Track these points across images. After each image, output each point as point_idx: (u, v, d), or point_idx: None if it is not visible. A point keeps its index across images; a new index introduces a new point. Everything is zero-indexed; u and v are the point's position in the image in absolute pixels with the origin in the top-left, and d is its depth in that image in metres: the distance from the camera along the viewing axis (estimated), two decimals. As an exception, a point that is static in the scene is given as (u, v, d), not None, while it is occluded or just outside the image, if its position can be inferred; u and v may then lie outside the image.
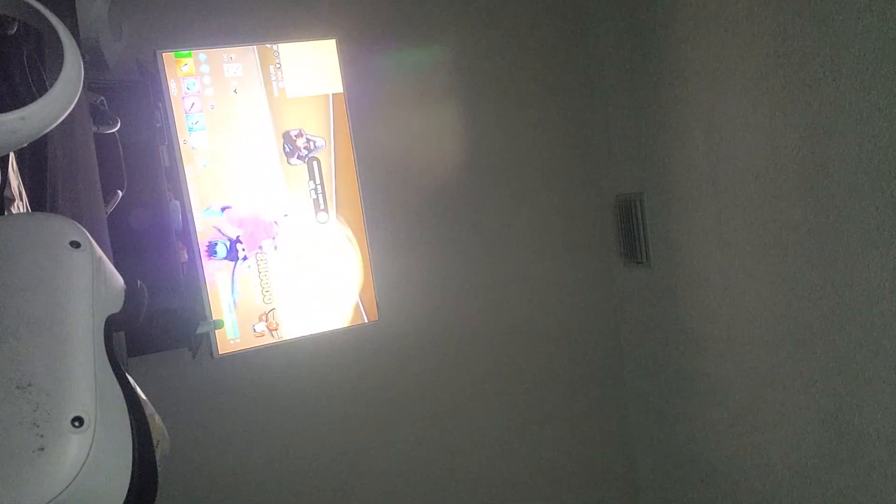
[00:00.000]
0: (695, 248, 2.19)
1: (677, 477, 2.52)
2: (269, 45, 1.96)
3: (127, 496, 0.58)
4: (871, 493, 1.69)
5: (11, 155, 0.84)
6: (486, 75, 2.50)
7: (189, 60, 1.87)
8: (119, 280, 0.70)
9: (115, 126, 1.58)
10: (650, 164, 2.35)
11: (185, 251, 1.91)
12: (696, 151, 2.10)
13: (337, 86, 2.05)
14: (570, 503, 2.69)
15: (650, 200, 2.39)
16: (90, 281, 0.61)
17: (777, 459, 1.99)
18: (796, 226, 1.78)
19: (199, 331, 1.85)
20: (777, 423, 1.97)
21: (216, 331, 1.92)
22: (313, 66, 2.02)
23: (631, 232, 2.48)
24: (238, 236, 1.90)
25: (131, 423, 0.60)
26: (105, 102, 1.58)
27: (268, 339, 1.99)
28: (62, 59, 0.67)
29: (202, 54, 1.88)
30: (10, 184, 0.82)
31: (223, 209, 1.89)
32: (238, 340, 1.96)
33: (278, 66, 1.97)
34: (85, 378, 0.55)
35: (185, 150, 1.87)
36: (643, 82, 2.30)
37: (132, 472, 0.58)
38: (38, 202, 0.90)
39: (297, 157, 1.86)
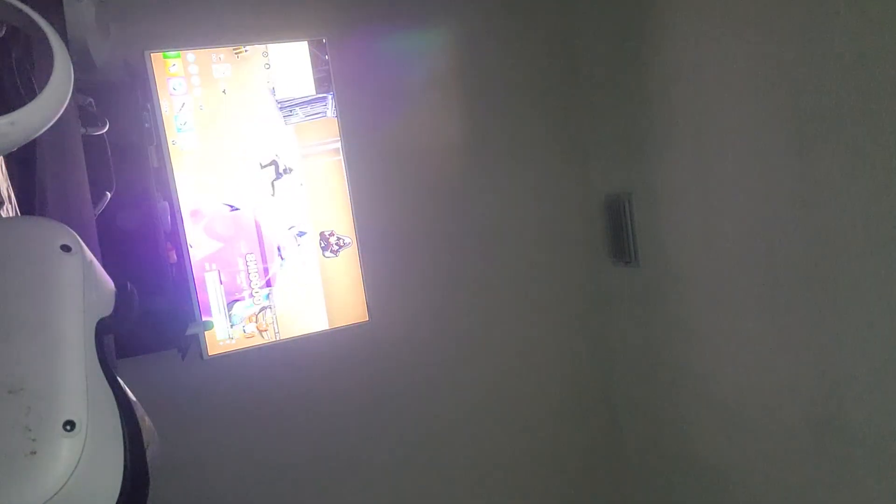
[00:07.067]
0: (683, 248, 2.21)
1: (668, 476, 2.54)
2: (258, 46, 1.96)
3: (118, 499, 0.58)
4: (856, 491, 1.72)
5: (0, 158, 0.84)
6: (474, 75, 2.50)
7: (178, 61, 1.87)
8: (109, 283, 0.70)
9: (104, 128, 1.57)
10: (638, 165, 2.36)
11: (174, 252, 1.90)
12: (685, 151, 2.12)
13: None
14: (561, 502, 2.70)
15: (638, 200, 2.41)
16: (81, 285, 0.62)
17: (764, 457, 2.02)
18: (783, 225, 1.80)
19: (188, 332, 1.84)
20: (764, 422, 1.99)
21: (206, 332, 1.91)
22: (304, 67, 2.02)
23: (619, 232, 2.50)
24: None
25: (122, 427, 0.61)
26: (93, 104, 1.57)
27: (258, 341, 1.99)
28: (51, 62, 0.67)
29: (191, 55, 1.88)
30: (-2, 187, 0.82)
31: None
32: (228, 342, 1.96)
33: (268, 66, 1.96)
34: (76, 382, 0.55)
35: (173, 150, 1.87)
36: (631, 82, 2.32)
37: (123, 474, 0.59)
38: (27, 205, 0.90)
39: (330, 251, 2.08)
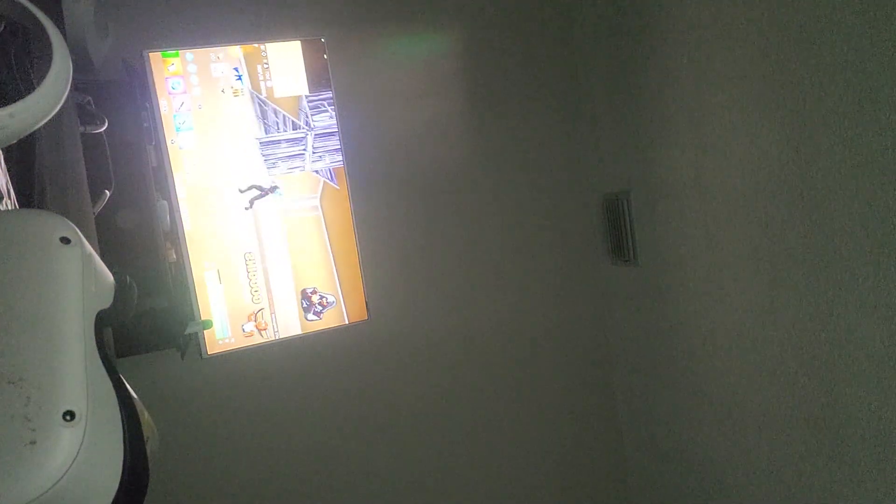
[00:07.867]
0: (681, 246, 2.21)
1: (667, 475, 2.54)
2: (256, 45, 1.96)
3: (118, 490, 0.58)
4: (854, 490, 1.72)
5: (-1, 153, 0.84)
6: (473, 75, 2.51)
7: (176, 60, 1.87)
8: (109, 276, 0.70)
9: (103, 126, 1.57)
10: (637, 164, 2.37)
11: (172, 251, 1.90)
12: (683, 150, 2.12)
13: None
14: (561, 502, 2.70)
15: (637, 199, 2.41)
16: (80, 277, 0.61)
17: (763, 456, 2.02)
18: (781, 223, 1.80)
19: (187, 331, 1.84)
20: (762, 421, 1.99)
21: (205, 331, 1.91)
22: (301, 66, 2.02)
23: (618, 231, 2.50)
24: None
25: (122, 417, 0.61)
26: (92, 102, 1.57)
27: (257, 339, 1.99)
28: (50, 56, 0.67)
29: (189, 54, 1.88)
30: (-3, 182, 0.82)
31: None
32: (227, 340, 1.96)
33: (266, 65, 1.97)
34: (76, 372, 0.55)
35: (172, 150, 1.87)
36: (630, 81, 2.32)
37: (123, 465, 0.59)
38: (26, 200, 0.90)
39: (313, 313, 2.02)
